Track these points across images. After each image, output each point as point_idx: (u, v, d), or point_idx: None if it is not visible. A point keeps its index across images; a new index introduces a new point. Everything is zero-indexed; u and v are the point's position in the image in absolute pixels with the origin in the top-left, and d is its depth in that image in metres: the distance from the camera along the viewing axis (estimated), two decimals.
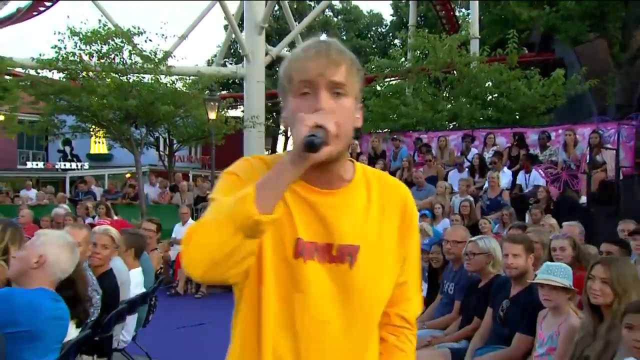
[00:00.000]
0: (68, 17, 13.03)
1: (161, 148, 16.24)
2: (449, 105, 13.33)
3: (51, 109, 12.46)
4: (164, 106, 12.13)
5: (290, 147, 1.24)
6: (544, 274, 2.88)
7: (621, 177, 8.66)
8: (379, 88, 14.64)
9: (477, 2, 25.21)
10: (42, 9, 24.73)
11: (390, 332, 1.39)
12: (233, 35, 25.70)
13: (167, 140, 15.87)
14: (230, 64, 35.11)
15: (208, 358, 4.76)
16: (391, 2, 39.98)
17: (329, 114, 1.19)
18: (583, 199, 8.57)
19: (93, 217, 9.48)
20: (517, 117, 13.20)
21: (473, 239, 3.84)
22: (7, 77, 16.39)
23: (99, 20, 12.74)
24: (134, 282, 3.94)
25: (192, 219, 9.50)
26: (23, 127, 15.31)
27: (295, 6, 37.80)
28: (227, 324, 1.34)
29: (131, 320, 3.94)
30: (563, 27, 19.41)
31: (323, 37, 1.36)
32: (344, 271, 1.26)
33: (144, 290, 4.15)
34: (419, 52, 14.59)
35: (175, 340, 5.60)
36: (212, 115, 12.73)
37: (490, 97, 13.76)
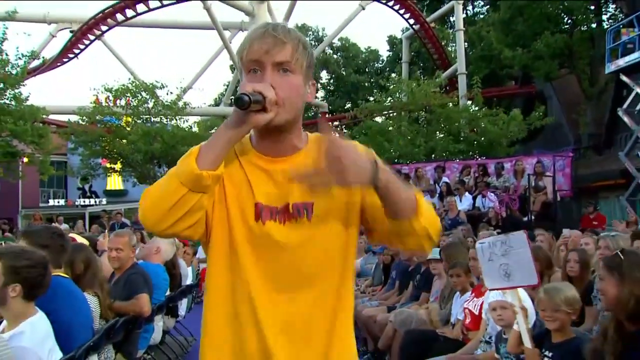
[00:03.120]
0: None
1: None
2: (426, 141, 15.43)
3: (90, 154, 14.66)
4: (183, 148, 14.31)
5: None
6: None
7: (559, 199, 10.67)
8: (367, 126, 16.78)
9: (463, 40, 27.22)
10: (65, 60, 27.14)
11: None
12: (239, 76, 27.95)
13: None
14: None
15: None
16: (387, 39, 42.41)
17: (269, 85, 1.26)
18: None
19: None
20: (486, 149, 15.25)
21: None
22: (40, 124, 18.70)
23: (129, 79, 15.05)
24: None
25: None
26: (59, 171, 17.44)
27: None
28: None
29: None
30: (535, 65, 21.64)
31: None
32: (304, 224, 1.34)
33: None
34: (399, 95, 16.79)
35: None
36: None
37: (462, 133, 15.83)
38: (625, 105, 14.77)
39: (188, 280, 6.01)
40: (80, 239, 3.98)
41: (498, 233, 8.65)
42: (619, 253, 2.38)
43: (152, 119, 14.50)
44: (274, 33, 1.30)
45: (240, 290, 1.32)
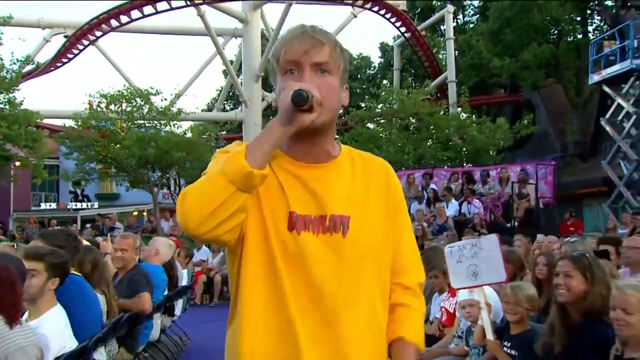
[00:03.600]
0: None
1: (172, 188, 18.67)
2: (414, 149, 15.83)
3: (84, 158, 14.91)
4: (177, 153, 14.60)
5: None
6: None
7: (541, 206, 11.06)
8: (358, 133, 17.19)
9: (453, 48, 27.72)
10: (59, 64, 27.28)
11: (393, 297, 1.40)
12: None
13: (177, 180, 18.31)
14: (229, 106, 37.84)
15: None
16: (379, 46, 42.90)
17: (313, 85, 1.23)
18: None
19: None
20: (472, 157, 15.68)
21: None
22: (34, 128, 18.89)
23: (124, 85, 15.32)
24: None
25: (205, 245, 11.79)
26: (52, 175, 17.67)
27: None
28: None
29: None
30: (522, 75, 22.15)
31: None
32: (338, 240, 1.29)
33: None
34: (389, 104, 17.21)
35: (202, 330, 7.81)
36: None
37: (451, 141, 16.25)
38: (607, 116, 15.23)
39: (183, 281, 6.30)
40: (84, 242, 4.26)
41: None
42: (587, 255, 2.70)
43: (147, 125, 14.77)
44: (312, 34, 1.29)
45: (277, 304, 1.27)
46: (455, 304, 3.83)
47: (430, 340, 4.01)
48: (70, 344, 2.52)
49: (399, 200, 1.43)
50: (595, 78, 15.33)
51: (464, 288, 3.10)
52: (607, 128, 14.96)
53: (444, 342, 3.79)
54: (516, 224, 10.82)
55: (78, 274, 3.03)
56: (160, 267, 4.70)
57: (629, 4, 13.85)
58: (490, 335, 2.84)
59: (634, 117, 13.94)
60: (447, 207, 11.35)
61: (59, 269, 2.58)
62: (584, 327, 2.45)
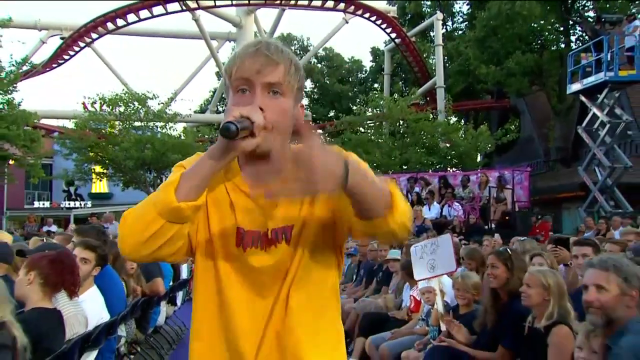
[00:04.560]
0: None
1: None
2: (400, 153, 16.56)
3: (83, 159, 15.50)
4: (173, 155, 15.21)
5: None
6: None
7: (517, 209, 11.79)
8: (347, 139, 17.91)
9: (442, 55, 28.47)
10: (55, 65, 27.73)
11: None
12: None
13: None
14: (221, 107, 38.38)
15: None
16: (370, 50, 43.62)
17: (257, 108, 1.20)
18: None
19: None
20: (456, 161, 16.45)
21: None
22: (28, 127, 19.36)
23: (123, 90, 15.92)
24: None
25: None
26: (49, 175, 18.17)
27: None
28: None
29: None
30: (508, 82, 22.95)
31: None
32: (284, 250, 1.32)
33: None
34: (377, 109, 17.93)
35: None
36: None
37: (439, 145, 17.00)
38: (584, 124, 16.01)
39: (183, 274, 6.93)
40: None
41: (460, 239, 9.71)
42: (508, 249, 3.40)
43: (144, 127, 15.38)
44: (266, 52, 1.26)
45: (224, 313, 1.32)
46: None
47: (400, 323, 4.69)
48: (106, 317, 3.16)
49: None
50: (573, 88, 16.10)
51: (424, 279, 3.78)
52: (584, 136, 15.72)
53: (410, 324, 4.46)
54: (493, 226, 11.54)
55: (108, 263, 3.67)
56: None
57: (602, 20, 14.61)
58: (441, 309, 3.53)
59: (607, 126, 14.71)
60: (429, 209, 12.06)
61: (103, 260, 3.22)
62: (508, 306, 3.14)
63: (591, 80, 14.82)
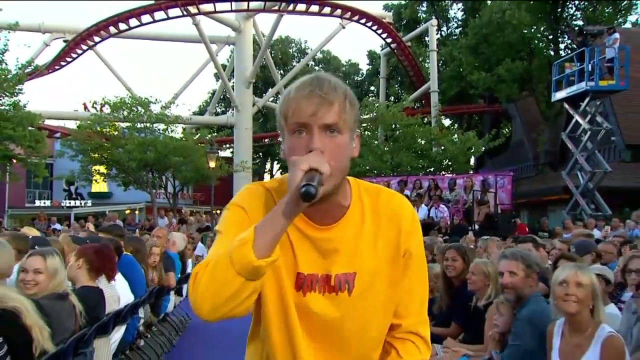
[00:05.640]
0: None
1: (169, 189, 19.99)
2: (392, 157, 17.30)
3: (89, 161, 16.20)
4: (174, 157, 15.92)
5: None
6: None
7: (500, 211, 12.53)
8: None
9: (436, 60, 29.21)
10: (57, 67, 28.30)
11: (393, 343, 1.41)
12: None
13: (173, 182, 19.63)
14: (220, 109, 39.05)
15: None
16: (367, 53, 44.29)
17: (322, 155, 1.21)
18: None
19: None
20: (448, 164, 17.20)
21: None
22: (32, 128, 19.99)
23: (127, 94, 16.63)
24: None
25: (201, 242, 13.11)
26: (57, 175, 18.87)
27: (280, 56, 42.08)
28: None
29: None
30: (498, 88, 23.71)
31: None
32: (344, 299, 1.31)
33: None
34: (372, 114, 18.66)
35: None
36: (212, 164, 16.57)
37: (424, 150, 17.76)
38: (567, 131, 16.77)
39: (189, 269, 7.65)
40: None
41: (445, 239, 10.43)
42: (463, 245, 4.11)
43: (146, 129, 16.10)
44: (319, 93, 1.25)
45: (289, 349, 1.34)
46: None
47: None
48: (131, 299, 3.87)
49: (410, 240, 1.37)
50: (557, 96, 16.88)
51: None
52: (567, 142, 16.48)
53: None
54: (477, 227, 12.28)
55: (130, 254, 4.38)
56: (177, 254, 6.04)
57: (584, 32, 15.37)
58: None
59: (588, 132, 15.48)
60: (417, 211, 12.78)
61: (118, 251, 3.90)
62: (459, 291, 3.86)
63: (574, 89, 15.58)
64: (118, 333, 3.78)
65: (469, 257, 4.03)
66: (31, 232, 5.52)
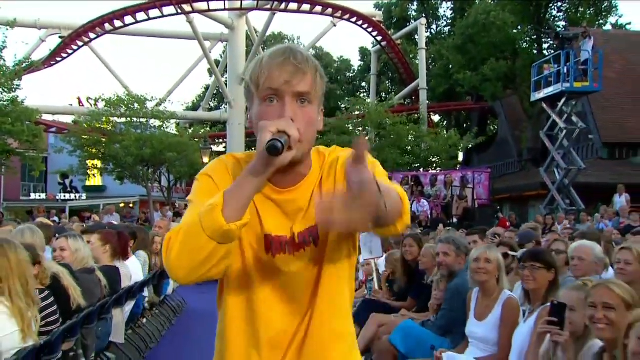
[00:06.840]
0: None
1: (163, 183, 20.68)
2: (378, 154, 18.06)
3: (87, 156, 16.86)
4: (169, 153, 16.61)
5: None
6: None
7: (477, 206, 13.35)
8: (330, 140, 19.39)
9: (425, 58, 29.97)
10: (53, 63, 28.73)
11: None
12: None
13: (168, 177, 20.33)
14: (213, 104, 39.59)
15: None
16: (358, 50, 44.93)
17: (291, 121, 1.21)
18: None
19: None
20: (434, 160, 17.99)
21: None
22: (29, 123, 20.55)
23: (124, 92, 17.28)
24: None
25: None
26: (58, 170, 19.43)
27: None
28: None
29: None
30: (483, 87, 24.50)
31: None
32: (312, 251, 1.35)
33: None
34: (357, 112, 19.42)
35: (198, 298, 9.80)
36: (206, 159, 17.27)
37: (409, 147, 18.56)
38: (545, 129, 17.59)
39: None
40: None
41: (424, 232, 11.20)
42: (419, 234, 4.88)
43: (142, 125, 16.80)
44: (294, 62, 1.26)
45: (256, 318, 1.36)
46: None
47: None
48: (141, 277, 4.63)
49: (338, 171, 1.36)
50: (536, 96, 17.69)
51: (369, 259, 5.31)
52: (545, 140, 17.31)
53: (359, 292, 5.94)
54: (455, 220, 13.10)
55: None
56: None
57: (560, 36, 16.16)
58: (376, 285, 5.04)
59: (565, 131, 16.30)
60: None
61: (134, 237, 4.68)
62: (414, 271, 4.64)
63: (551, 90, 16.39)
64: (129, 306, 4.52)
65: (423, 244, 4.78)
66: (45, 222, 6.22)
